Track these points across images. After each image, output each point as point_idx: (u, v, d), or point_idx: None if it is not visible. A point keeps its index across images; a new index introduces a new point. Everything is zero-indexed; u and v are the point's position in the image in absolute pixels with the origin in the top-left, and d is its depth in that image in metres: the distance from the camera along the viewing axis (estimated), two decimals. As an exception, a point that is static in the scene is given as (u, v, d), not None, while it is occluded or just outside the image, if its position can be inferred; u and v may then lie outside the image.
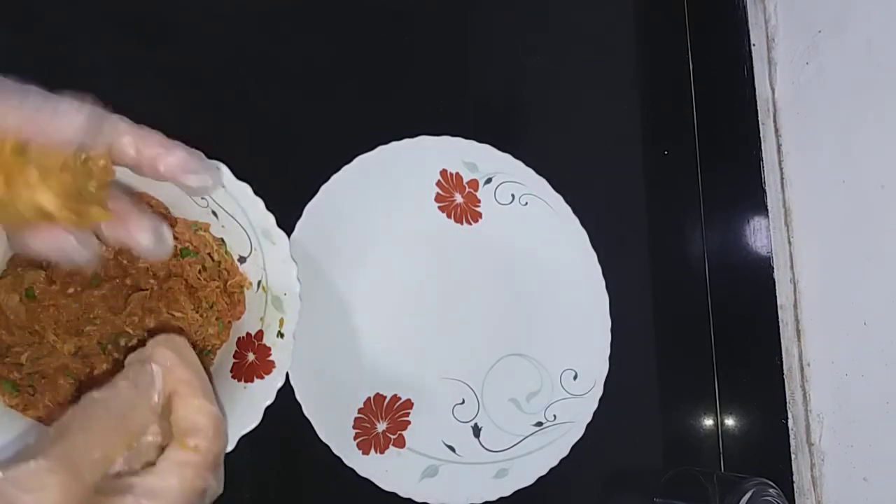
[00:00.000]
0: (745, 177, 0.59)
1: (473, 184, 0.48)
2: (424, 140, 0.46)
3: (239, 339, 0.35)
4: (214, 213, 0.34)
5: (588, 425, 0.47)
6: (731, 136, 0.60)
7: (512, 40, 0.53)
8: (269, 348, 0.34)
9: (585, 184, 0.51)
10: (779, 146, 0.60)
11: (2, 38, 0.39)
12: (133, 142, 0.26)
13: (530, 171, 0.49)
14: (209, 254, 0.36)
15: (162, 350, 0.28)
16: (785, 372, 0.57)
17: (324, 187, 0.43)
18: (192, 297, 0.35)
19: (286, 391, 0.36)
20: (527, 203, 0.49)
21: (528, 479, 0.45)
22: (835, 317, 0.54)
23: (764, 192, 0.59)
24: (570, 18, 0.56)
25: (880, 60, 0.51)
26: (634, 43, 0.58)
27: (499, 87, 0.53)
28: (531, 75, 0.53)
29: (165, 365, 0.27)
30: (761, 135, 0.60)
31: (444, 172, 0.47)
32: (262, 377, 0.34)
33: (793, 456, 0.55)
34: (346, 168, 0.44)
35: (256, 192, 0.33)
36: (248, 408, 0.33)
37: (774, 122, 0.61)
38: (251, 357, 0.34)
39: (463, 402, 0.45)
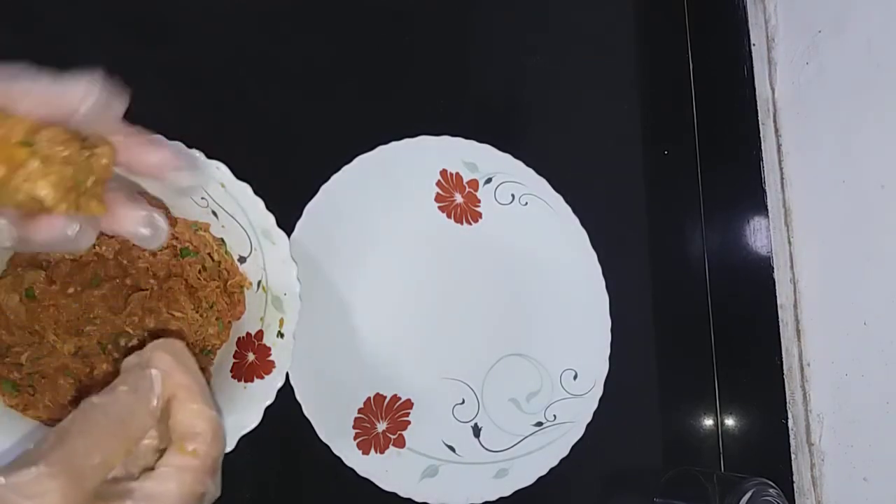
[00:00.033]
0: (745, 177, 0.59)
1: (473, 184, 0.48)
2: (424, 140, 0.46)
3: (239, 339, 0.35)
4: (214, 213, 0.34)
5: (588, 425, 0.47)
6: (731, 136, 0.60)
7: (512, 40, 0.53)
8: (269, 348, 0.34)
9: (585, 184, 0.51)
10: (779, 146, 0.60)
11: (2, 38, 0.39)
12: (121, 140, 0.26)
13: (530, 171, 0.49)
14: (209, 254, 0.36)
15: (160, 354, 0.28)
16: (785, 372, 0.57)
17: (324, 187, 0.43)
18: (192, 297, 0.35)
19: (286, 391, 0.36)
20: (527, 203, 0.49)
21: (528, 479, 0.45)
22: (835, 317, 0.54)
23: (764, 192, 0.59)
24: (570, 18, 0.56)
25: (880, 60, 0.51)
26: (634, 43, 0.58)
27: (499, 87, 0.53)
28: (531, 75, 0.53)
29: (164, 369, 0.27)
30: (761, 135, 0.60)
31: (444, 172, 0.47)
32: (262, 377, 0.34)
33: (793, 456, 0.55)
34: (346, 168, 0.44)
35: (256, 192, 0.33)
36: (248, 408, 0.33)
37: (774, 122, 0.61)
38: (251, 357, 0.34)
39: (463, 402, 0.45)
